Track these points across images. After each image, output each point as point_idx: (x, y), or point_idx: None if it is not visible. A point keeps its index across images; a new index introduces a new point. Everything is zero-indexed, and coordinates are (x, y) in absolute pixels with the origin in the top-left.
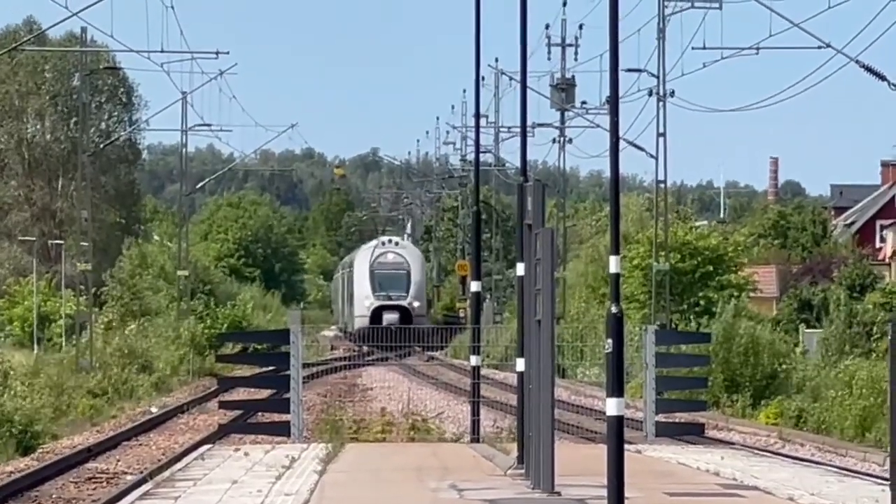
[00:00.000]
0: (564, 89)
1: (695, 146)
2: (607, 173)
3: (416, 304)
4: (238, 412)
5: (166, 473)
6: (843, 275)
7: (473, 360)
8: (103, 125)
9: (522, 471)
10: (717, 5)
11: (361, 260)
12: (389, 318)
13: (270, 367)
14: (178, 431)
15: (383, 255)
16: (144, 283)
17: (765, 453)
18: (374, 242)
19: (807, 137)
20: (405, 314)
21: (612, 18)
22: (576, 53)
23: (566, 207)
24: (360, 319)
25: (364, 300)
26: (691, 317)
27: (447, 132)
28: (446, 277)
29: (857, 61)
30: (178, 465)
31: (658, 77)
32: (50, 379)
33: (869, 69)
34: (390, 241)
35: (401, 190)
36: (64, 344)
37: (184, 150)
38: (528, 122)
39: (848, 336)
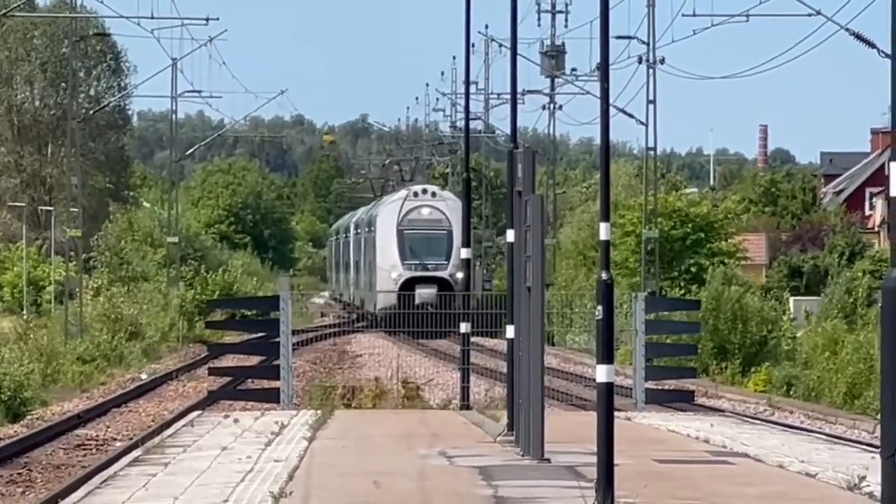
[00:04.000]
0: (554, 56)
1: (685, 113)
2: (597, 140)
3: (459, 275)
4: (227, 379)
5: (156, 440)
6: (833, 242)
7: (463, 328)
8: (93, 91)
9: (512, 438)
10: None
11: (386, 217)
12: (424, 293)
13: (260, 334)
14: (168, 398)
15: (416, 211)
16: (131, 249)
17: (754, 420)
18: (402, 193)
19: (797, 105)
20: (445, 288)
21: None
22: (566, 20)
23: (556, 174)
24: (385, 297)
25: (390, 270)
26: (681, 284)
27: (437, 99)
28: None
29: (847, 29)
30: (168, 432)
31: (648, 44)
32: (39, 345)
33: (859, 37)
34: (424, 191)
35: (390, 156)
36: (53, 310)
37: (173, 116)
38: (519, 89)
39: (843, 304)
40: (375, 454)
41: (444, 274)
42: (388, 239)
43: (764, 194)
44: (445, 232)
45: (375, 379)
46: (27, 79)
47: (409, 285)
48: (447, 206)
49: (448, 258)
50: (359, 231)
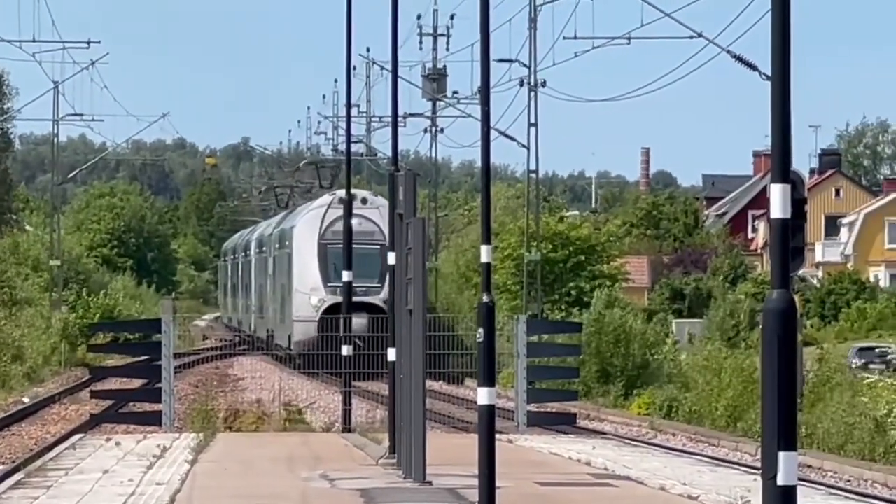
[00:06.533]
0: (436, 79)
1: (566, 136)
2: (479, 163)
3: None
4: (110, 402)
5: (38, 463)
6: (716, 265)
7: (345, 350)
8: None
9: (394, 460)
10: None
11: (305, 229)
12: (353, 323)
13: (143, 357)
14: (50, 421)
15: (342, 221)
16: (14, 272)
17: (636, 443)
18: (324, 199)
19: (678, 127)
20: (378, 318)
21: (484, 8)
22: (447, 43)
23: (438, 197)
24: (303, 327)
25: (310, 295)
26: (563, 307)
27: (319, 122)
28: None
29: (728, 51)
30: (50, 455)
31: (529, 67)
32: None
33: (740, 59)
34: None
35: (272, 180)
36: None
37: (55, 139)
38: (400, 112)
39: (727, 326)
40: (257, 477)
41: (376, 299)
42: (307, 256)
43: (646, 217)
44: (378, 247)
45: (257, 401)
46: None
47: (333, 312)
48: (381, 216)
49: (382, 280)
50: (264, 249)
